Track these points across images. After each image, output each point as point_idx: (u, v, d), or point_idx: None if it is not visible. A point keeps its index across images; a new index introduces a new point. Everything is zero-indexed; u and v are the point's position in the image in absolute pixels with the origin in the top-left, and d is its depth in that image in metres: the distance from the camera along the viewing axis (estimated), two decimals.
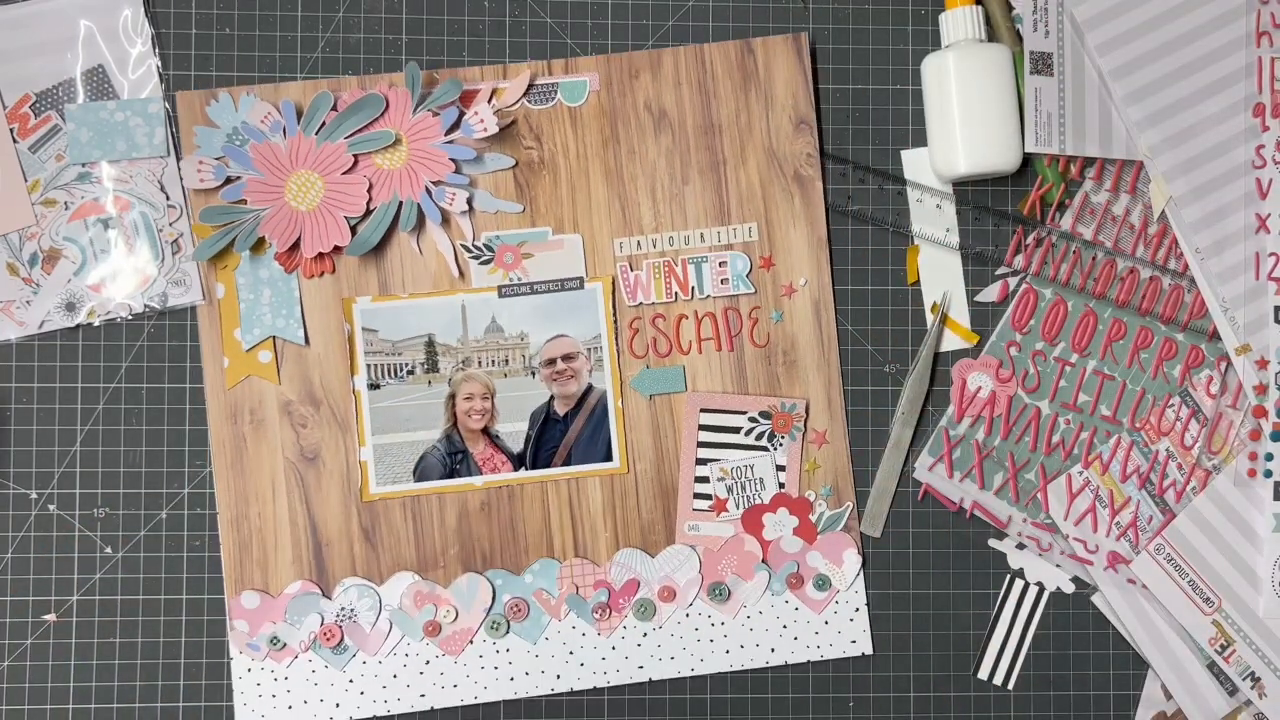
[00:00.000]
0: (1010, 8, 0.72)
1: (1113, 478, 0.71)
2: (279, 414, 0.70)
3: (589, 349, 0.71)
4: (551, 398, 0.71)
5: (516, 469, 0.71)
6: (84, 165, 0.70)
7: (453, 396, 0.71)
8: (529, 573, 0.70)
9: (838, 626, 0.71)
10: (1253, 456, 0.70)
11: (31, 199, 0.70)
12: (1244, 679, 0.70)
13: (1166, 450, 0.72)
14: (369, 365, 0.71)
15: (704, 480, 0.71)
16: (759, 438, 0.71)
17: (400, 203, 0.69)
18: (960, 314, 0.73)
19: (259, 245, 0.70)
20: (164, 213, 0.70)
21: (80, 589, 0.70)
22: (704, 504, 0.71)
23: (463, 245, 0.71)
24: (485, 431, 0.71)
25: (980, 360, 0.72)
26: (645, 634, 0.71)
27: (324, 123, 0.69)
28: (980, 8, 0.71)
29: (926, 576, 0.72)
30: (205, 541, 0.71)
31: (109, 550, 0.70)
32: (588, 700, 0.71)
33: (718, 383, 0.71)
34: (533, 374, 0.71)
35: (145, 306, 0.70)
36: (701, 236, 0.71)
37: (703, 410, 0.71)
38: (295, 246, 0.70)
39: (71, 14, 0.70)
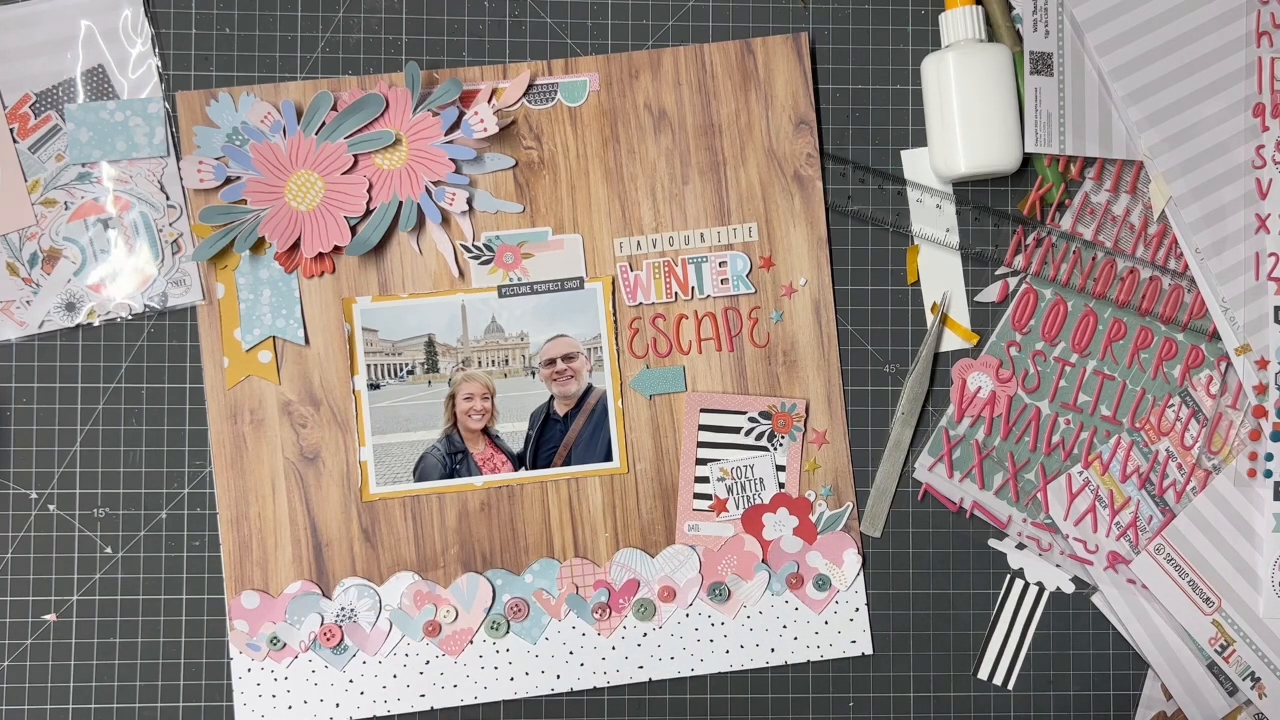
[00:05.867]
0: (1010, 8, 0.72)
1: (1113, 478, 0.71)
2: (279, 414, 0.70)
3: (589, 349, 0.71)
4: (551, 398, 0.71)
5: (516, 469, 0.71)
6: (84, 165, 0.70)
7: (453, 396, 0.71)
8: (529, 573, 0.70)
9: (838, 626, 0.71)
10: (1253, 456, 0.70)
11: (31, 199, 0.70)
12: (1244, 679, 0.70)
13: (1166, 450, 0.72)
14: (369, 365, 0.71)
15: (704, 480, 0.71)
16: (759, 438, 0.71)
17: (400, 203, 0.69)
18: (960, 314, 0.73)
19: (259, 245, 0.70)
20: (164, 213, 0.70)
21: (80, 589, 0.70)
22: (704, 504, 0.71)
23: (463, 245, 0.71)
24: (485, 431, 0.71)
25: (980, 360, 0.72)
26: (645, 634, 0.71)
27: (324, 123, 0.69)
28: (980, 8, 0.71)
29: (926, 576, 0.72)
30: (205, 541, 0.71)
31: (109, 550, 0.70)
32: (588, 700, 0.71)
33: (718, 383, 0.71)
34: (533, 374, 0.71)
35: (145, 306, 0.70)
36: (701, 236, 0.71)
37: (703, 410, 0.71)
38: (295, 246, 0.70)
39: (71, 14, 0.70)
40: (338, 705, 0.70)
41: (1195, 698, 0.71)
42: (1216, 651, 0.70)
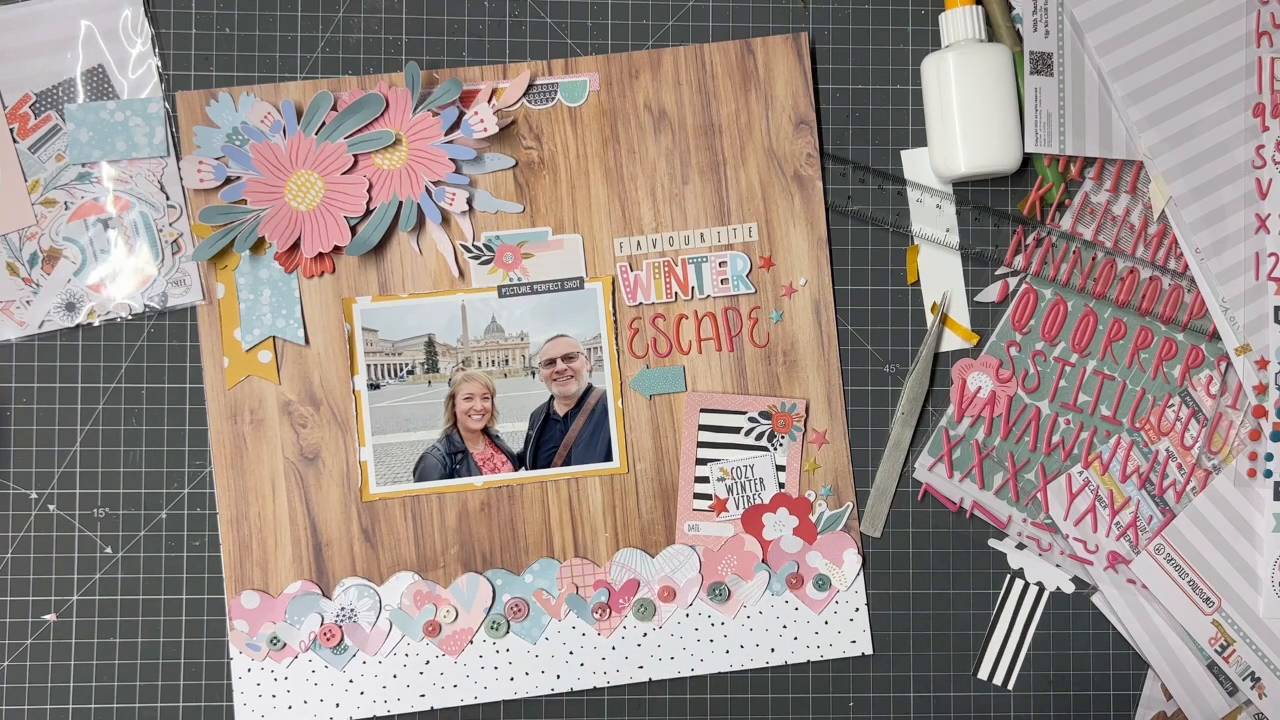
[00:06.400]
0: (1010, 8, 0.72)
1: (1113, 478, 0.71)
2: (279, 414, 0.70)
3: (589, 349, 0.71)
4: (551, 398, 0.71)
5: (516, 469, 0.71)
6: (84, 165, 0.70)
7: (453, 396, 0.71)
8: (529, 573, 0.70)
9: (838, 626, 0.71)
10: (1253, 456, 0.70)
11: (31, 199, 0.70)
12: (1244, 679, 0.70)
13: (1166, 450, 0.72)
14: (369, 365, 0.71)
15: (704, 480, 0.71)
16: (759, 438, 0.71)
17: (400, 203, 0.69)
18: (960, 314, 0.73)
19: (259, 245, 0.70)
20: (164, 213, 0.70)
21: (80, 589, 0.70)
22: (704, 504, 0.71)
23: (463, 245, 0.71)
24: (485, 431, 0.71)
25: (980, 360, 0.72)
26: (645, 634, 0.71)
27: (324, 123, 0.69)
28: (980, 8, 0.71)
29: (926, 576, 0.72)
30: (205, 541, 0.71)
31: (109, 550, 0.70)
32: (588, 700, 0.71)
33: (718, 383, 0.71)
34: (533, 374, 0.71)
35: (145, 306, 0.70)
36: (701, 236, 0.71)
37: (703, 410, 0.71)
38: (295, 246, 0.70)
39: (71, 14, 0.70)
40: (338, 705, 0.70)
41: (1195, 698, 0.71)
42: (1216, 651, 0.70)
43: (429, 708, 0.70)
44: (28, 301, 0.70)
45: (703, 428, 0.71)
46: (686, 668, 0.71)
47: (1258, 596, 0.70)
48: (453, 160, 0.70)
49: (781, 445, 0.71)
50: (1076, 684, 0.73)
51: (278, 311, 0.70)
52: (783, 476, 0.71)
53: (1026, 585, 0.72)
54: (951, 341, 0.73)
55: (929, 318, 0.73)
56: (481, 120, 0.69)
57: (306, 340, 0.70)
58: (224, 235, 0.69)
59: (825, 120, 0.73)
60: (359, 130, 0.69)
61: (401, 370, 0.71)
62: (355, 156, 0.69)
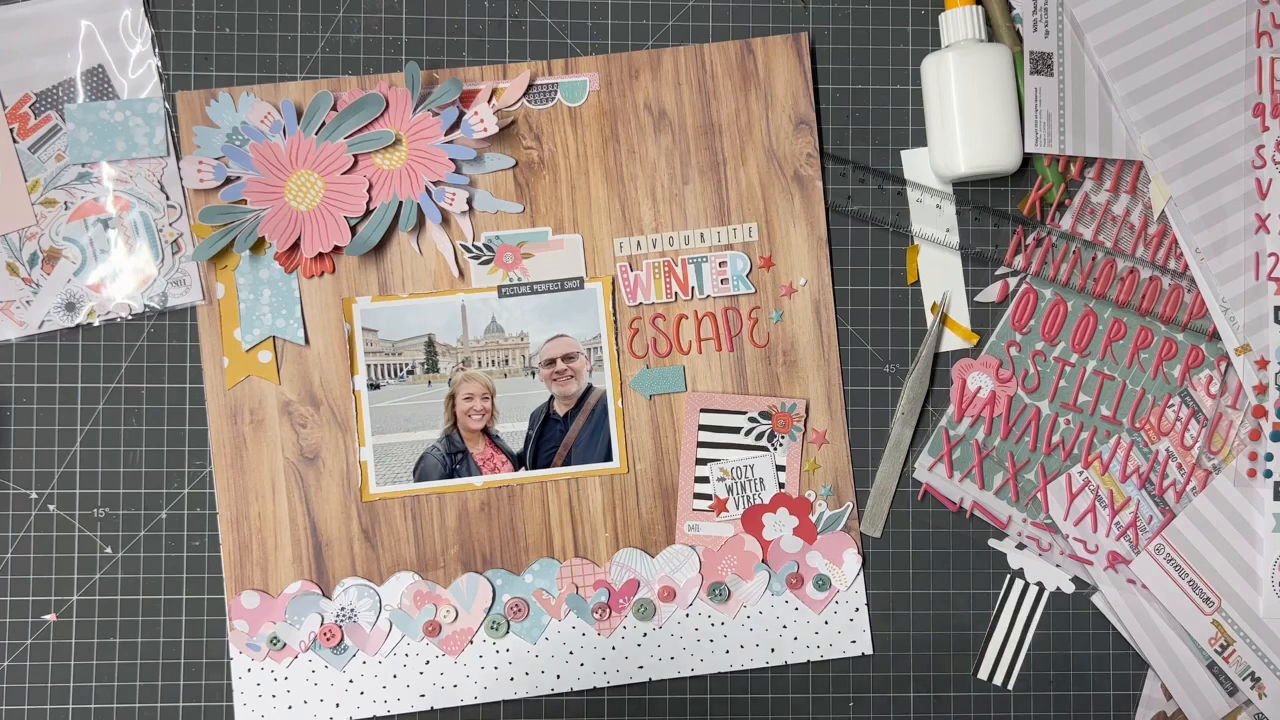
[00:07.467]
0: (1010, 8, 0.72)
1: (1113, 478, 0.71)
2: (279, 414, 0.70)
3: (589, 349, 0.71)
4: (551, 398, 0.71)
5: (516, 469, 0.71)
6: (84, 165, 0.70)
7: (453, 396, 0.71)
8: (529, 573, 0.70)
9: (838, 626, 0.71)
10: (1253, 456, 0.70)
11: (31, 199, 0.70)
12: (1244, 679, 0.70)
13: (1166, 450, 0.72)
14: (369, 365, 0.71)
15: (704, 480, 0.71)
16: (759, 438, 0.71)
17: (400, 203, 0.69)
18: (960, 314, 0.73)
19: (259, 245, 0.70)
20: (164, 213, 0.70)
21: (80, 589, 0.70)
22: (704, 504, 0.71)
23: (463, 245, 0.71)
24: (485, 431, 0.71)
25: (980, 360, 0.72)
26: (645, 634, 0.71)
27: (324, 123, 0.69)
28: (980, 8, 0.71)
29: (926, 576, 0.72)
30: (205, 541, 0.71)
31: (109, 550, 0.70)
32: (588, 700, 0.71)
33: (718, 383, 0.71)
34: (533, 374, 0.71)
35: (145, 306, 0.70)
36: (701, 236, 0.71)
37: (703, 410, 0.71)
38: (295, 246, 0.70)
39: (71, 14, 0.70)
40: (338, 705, 0.70)
41: (1195, 698, 0.71)
42: (1216, 651, 0.70)
43: (429, 708, 0.70)
44: (28, 301, 0.70)
45: (703, 428, 0.71)
46: (686, 668, 0.71)
47: (1258, 596, 0.70)
48: (453, 160, 0.70)
49: (781, 445, 0.71)
50: (1076, 684, 0.73)
51: (278, 311, 0.70)
52: (783, 476, 0.71)
53: (1026, 585, 0.72)
54: (951, 341, 0.73)
55: (929, 318, 0.73)
56: (481, 120, 0.69)
57: (306, 340, 0.70)
58: (224, 235, 0.69)
59: (825, 120, 0.73)
60: (359, 130, 0.69)
61: (401, 370, 0.71)
62: (355, 156, 0.69)
